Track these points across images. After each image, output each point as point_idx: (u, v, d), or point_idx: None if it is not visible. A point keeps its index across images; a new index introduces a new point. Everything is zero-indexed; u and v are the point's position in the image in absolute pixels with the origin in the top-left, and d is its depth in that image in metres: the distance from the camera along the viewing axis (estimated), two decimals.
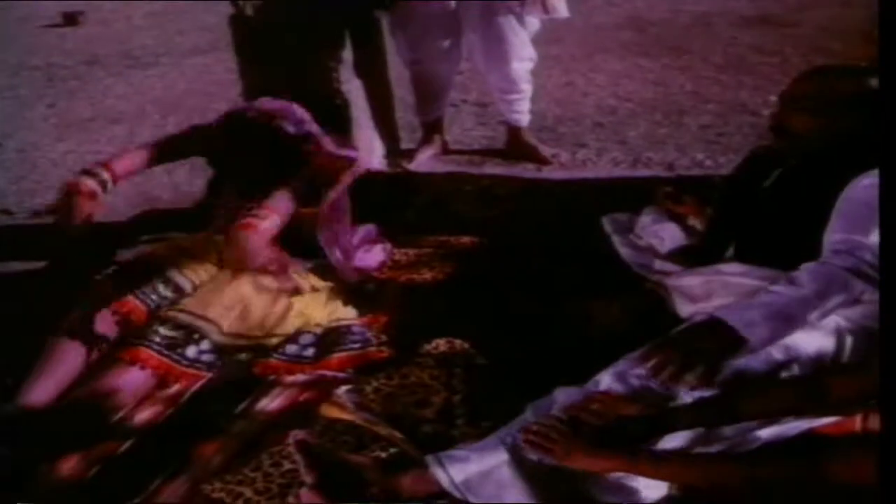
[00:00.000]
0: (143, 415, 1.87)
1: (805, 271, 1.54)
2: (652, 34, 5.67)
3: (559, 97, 4.48)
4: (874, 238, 1.54)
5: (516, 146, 3.51)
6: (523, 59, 3.30)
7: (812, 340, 1.55)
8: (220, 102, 4.56)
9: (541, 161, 3.44)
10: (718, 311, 1.52)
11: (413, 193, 3.08)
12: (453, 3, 3.18)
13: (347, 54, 3.13)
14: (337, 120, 3.16)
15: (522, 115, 3.46)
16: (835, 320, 1.58)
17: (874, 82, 1.77)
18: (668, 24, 5.87)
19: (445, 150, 3.61)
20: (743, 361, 1.50)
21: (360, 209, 2.54)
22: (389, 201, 2.98)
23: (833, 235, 1.62)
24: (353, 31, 3.13)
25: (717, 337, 1.47)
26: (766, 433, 1.42)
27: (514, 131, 3.51)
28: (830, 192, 1.70)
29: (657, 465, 1.35)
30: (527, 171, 3.38)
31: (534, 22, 3.27)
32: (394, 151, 3.47)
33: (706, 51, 5.13)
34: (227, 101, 4.00)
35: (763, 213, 1.91)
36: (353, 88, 3.18)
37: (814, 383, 1.43)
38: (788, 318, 1.50)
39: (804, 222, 1.71)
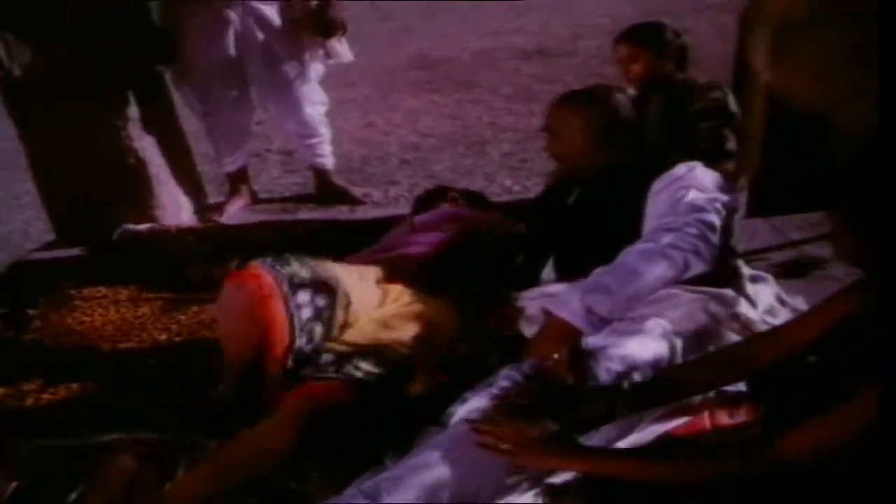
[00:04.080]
0: None
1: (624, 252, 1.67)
2: (440, 71, 5.86)
3: (361, 138, 4.50)
4: (694, 216, 1.68)
5: (326, 189, 3.48)
6: (315, 103, 3.28)
7: (646, 347, 1.61)
8: (4, 171, 4.17)
9: (353, 202, 3.42)
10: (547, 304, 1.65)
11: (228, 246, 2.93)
12: (233, 52, 3.07)
13: (134, 111, 2.97)
14: (134, 179, 3.00)
15: (326, 157, 3.43)
16: (661, 325, 1.65)
17: (616, 99, 1.88)
18: (453, 62, 6.10)
19: (255, 200, 3.50)
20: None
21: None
22: (205, 256, 2.81)
23: (651, 224, 1.73)
24: (134, 87, 2.98)
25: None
26: (623, 444, 1.46)
27: (321, 175, 3.48)
28: (628, 201, 1.81)
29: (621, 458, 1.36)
30: (341, 212, 3.34)
31: (319, 66, 3.26)
32: (202, 206, 3.32)
33: (494, 83, 5.37)
34: (13, 168, 3.68)
35: (571, 230, 1.97)
36: (147, 145, 3.02)
37: (741, 350, 1.50)
38: (610, 288, 1.63)
39: (611, 233, 1.80)
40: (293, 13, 3.06)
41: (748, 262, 1.95)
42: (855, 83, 2.63)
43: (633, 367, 1.56)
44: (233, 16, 3.02)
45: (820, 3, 2.73)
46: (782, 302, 1.88)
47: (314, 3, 3.06)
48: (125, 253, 2.82)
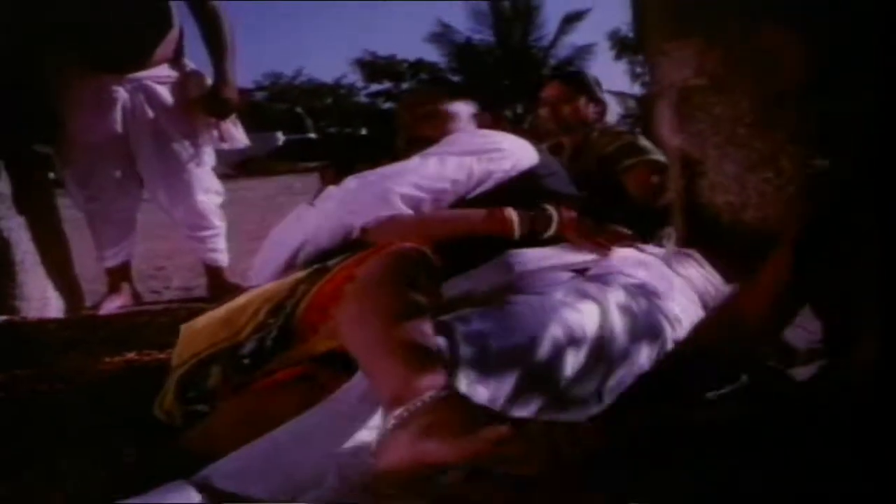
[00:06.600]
0: None
1: None
2: None
3: None
4: None
5: (219, 289, 3.15)
6: (209, 191, 3.05)
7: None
8: None
9: None
10: None
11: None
12: (120, 129, 2.86)
13: (4, 186, 2.70)
14: None
15: (219, 253, 3.15)
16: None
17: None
18: None
19: (137, 300, 3.15)
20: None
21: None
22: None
23: None
24: (7, 161, 2.73)
25: None
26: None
27: (214, 272, 3.18)
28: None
29: None
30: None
31: (212, 153, 3.08)
32: (75, 305, 2.95)
33: None
34: None
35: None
36: (15, 226, 2.72)
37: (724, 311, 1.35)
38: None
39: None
40: (187, 92, 2.93)
41: None
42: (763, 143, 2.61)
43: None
44: (121, 91, 2.85)
45: (717, 68, 2.77)
46: None
47: (208, 82, 2.95)
48: None
